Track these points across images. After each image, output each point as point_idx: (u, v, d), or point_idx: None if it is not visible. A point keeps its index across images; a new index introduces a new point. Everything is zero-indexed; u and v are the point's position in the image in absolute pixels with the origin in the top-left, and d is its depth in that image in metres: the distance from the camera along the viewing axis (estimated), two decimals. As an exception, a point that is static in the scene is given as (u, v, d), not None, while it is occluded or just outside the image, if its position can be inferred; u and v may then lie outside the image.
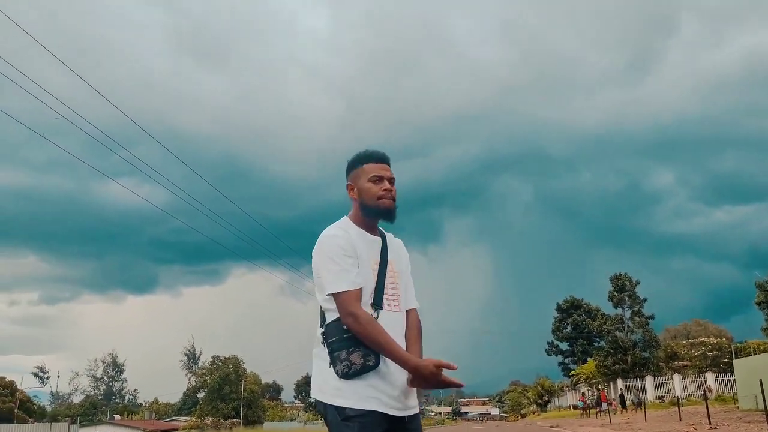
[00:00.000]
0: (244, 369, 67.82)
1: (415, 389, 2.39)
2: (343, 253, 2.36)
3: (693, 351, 43.40)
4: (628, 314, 45.92)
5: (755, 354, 33.98)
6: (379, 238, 2.55)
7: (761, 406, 17.36)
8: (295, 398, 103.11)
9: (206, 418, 61.07)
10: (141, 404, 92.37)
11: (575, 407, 53.56)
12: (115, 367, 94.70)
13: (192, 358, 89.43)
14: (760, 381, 16.62)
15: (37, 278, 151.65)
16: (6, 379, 60.86)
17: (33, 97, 14.44)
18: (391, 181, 2.54)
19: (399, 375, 2.31)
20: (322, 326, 2.40)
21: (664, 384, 41.87)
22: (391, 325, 2.35)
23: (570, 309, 63.93)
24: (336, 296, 2.30)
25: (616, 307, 46.81)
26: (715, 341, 44.00)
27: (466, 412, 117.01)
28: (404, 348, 2.36)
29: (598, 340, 57.19)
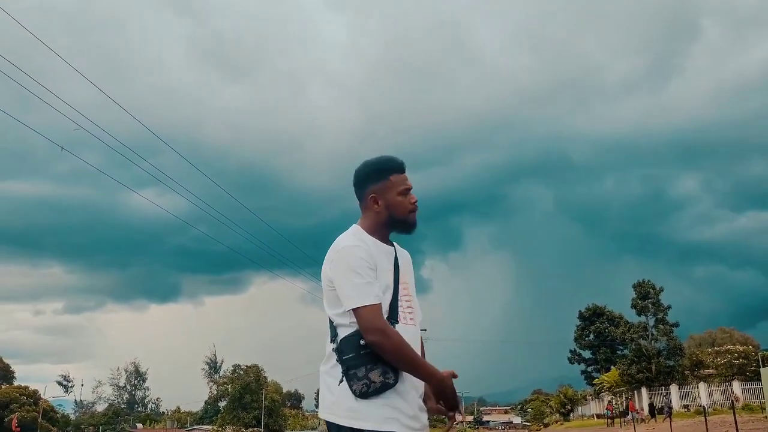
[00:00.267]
0: (265, 377, 68.01)
1: (425, 407, 2.30)
2: (366, 266, 2.24)
3: (718, 359, 42.62)
4: (651, 322, 45.30)
5: (783, 362, 33.32)
6: (393, 249, 2.44)
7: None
8: (317, 407, 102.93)
9: (227, 426, 61.25)
10: (163, 413, 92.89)
11: (599, 416, 52.92)
12: (138, 376, 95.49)
13: (213, 366, 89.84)
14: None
15: (63, 288, 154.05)
16: (29, 389, 61.44)
17: (56, 110, 14.63)
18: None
19: (414, 392, 2.23)
20: (333, 341, 2.27)
21: (690, 393, 41.17)
22: (408, 339, 2.22)
23: (592, 317, 63.26)
24: (359, 311, 2.16)
25: (639, 314, 46.23)
26: (741, 349, 43.21)
27: (487, 421, 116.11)
28: None
29: (621, 348, 56.50)
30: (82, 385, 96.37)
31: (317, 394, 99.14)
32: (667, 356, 44.59)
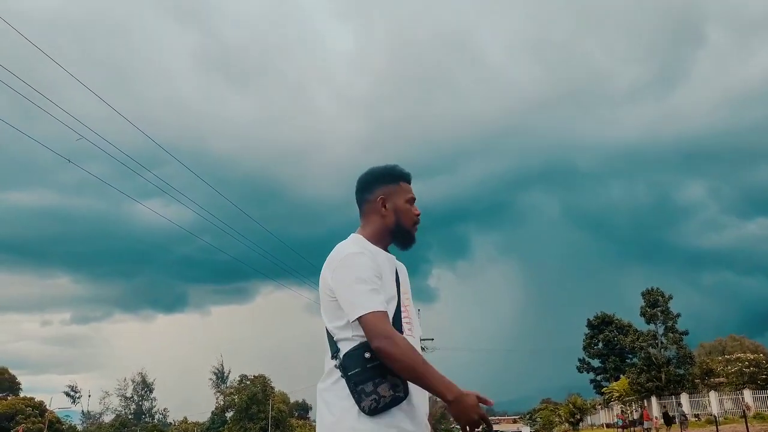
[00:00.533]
0: (272, 388, 67.80)
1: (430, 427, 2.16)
2: (372, 273, 2.12)
3: (729, 367, 42.25)
4: (661, 330, 45.00)
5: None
6: (393, 258, 2.34)
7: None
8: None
9: (235, 437, 61.05)
10: (171, 423, 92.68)
11: (608, 425, 52.48)
12: (145, 386, 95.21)
13: (221, 376, 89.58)
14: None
15: (69, 298, 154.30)
16: (35, 400, 61.35)
17: (60, 122, 14.59)
18: None
19: (421, 408, 2.09)
20: (334, 358, 2.13)
21: (701, 402, 40.81)
22: None
23: (601, 325, 62.89)
24: (365, 318, 2.03)
25: (648, 322, 45.94)
26: (752, 357, 42.81)
27: (496, 431, 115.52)
28: None
29: (630, 356, 56.11)
30: (89, 395, 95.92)
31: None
32: (677, 365, 44.27)
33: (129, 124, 17.09)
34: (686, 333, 44.42)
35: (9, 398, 61.43)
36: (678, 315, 44.82)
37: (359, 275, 2.10)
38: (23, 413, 56.47)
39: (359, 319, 2.04)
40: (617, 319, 62.20)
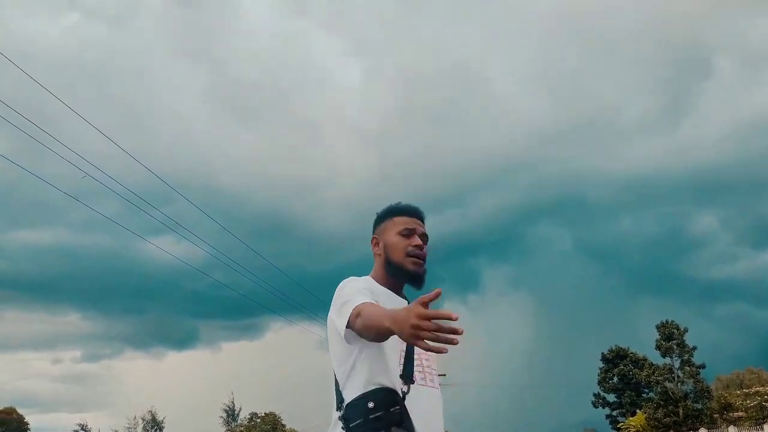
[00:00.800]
0: (283, 425, 66.97)
1: None
2: (363, 288, 2.00)
3: (748, 401, 41.53)
4: (677, 363, 44.37)
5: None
6: (406, 302, 2.17)
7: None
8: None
9: (245, 477, 60.28)
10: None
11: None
12: (155, 425, 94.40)
13: (231, 414, 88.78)
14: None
15: (80, 336, 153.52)
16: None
17: (67, 162, 14.73)
18: (424, 237, 2.18)
19: None
20: (339, 409, 2.02)
21: (720, 437, 40.10)
22: (428, 403, 1.98)
23: (616, 359, 61.97)
24: (344, 312, 1.87)
25: (664, 356, 45.33)
26: (771, 390, 42.13)
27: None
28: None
29: (646, 391, 55.24)
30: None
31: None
32: (695, 399, 43.53)
33: (135, 163, 17.22)
34: (703, 366, 43.78)
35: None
36: (694, 348, 44.25)
37: (346, 291, 1.99)
38: (31, 453, 56.08)
39: (346, 327, 1.88)
40: (632, 353, 61.32)
